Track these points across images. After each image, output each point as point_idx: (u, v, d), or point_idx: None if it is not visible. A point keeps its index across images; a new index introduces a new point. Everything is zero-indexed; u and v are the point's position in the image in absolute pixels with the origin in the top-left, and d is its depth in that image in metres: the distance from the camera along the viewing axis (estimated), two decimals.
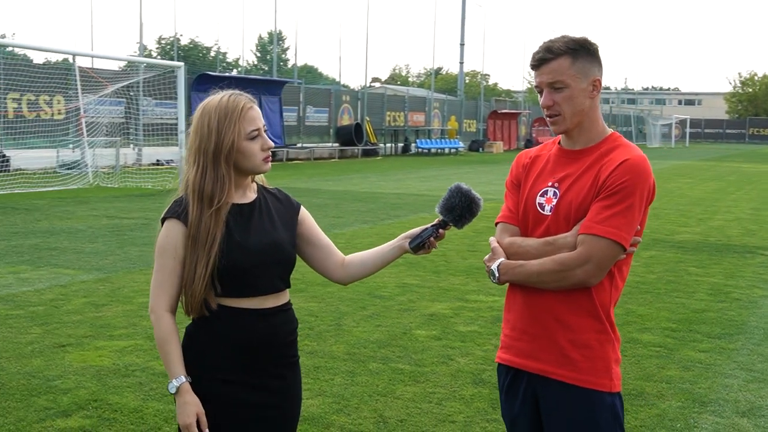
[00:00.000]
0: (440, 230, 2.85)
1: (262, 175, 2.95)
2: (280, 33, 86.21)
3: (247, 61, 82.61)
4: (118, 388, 5.46)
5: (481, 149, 53.01)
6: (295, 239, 2.94)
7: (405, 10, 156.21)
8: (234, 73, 61.50)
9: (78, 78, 22.92)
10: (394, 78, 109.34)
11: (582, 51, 2.83)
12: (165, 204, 2.85)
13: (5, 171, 23.43)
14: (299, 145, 38.80)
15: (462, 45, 59.42)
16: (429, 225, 2.86)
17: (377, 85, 69.92)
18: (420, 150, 47.07)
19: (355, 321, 7.44)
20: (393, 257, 2.93)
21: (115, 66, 31.51)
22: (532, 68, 2.90)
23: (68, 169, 23.57)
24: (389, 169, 31.78)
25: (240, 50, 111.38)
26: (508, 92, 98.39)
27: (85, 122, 22.89)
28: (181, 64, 22.35)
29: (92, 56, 28.19)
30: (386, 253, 2.92)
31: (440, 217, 2.84)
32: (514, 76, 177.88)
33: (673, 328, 7.41)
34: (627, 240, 2.73)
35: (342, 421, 5.02)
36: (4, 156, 24.77)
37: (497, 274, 2.86)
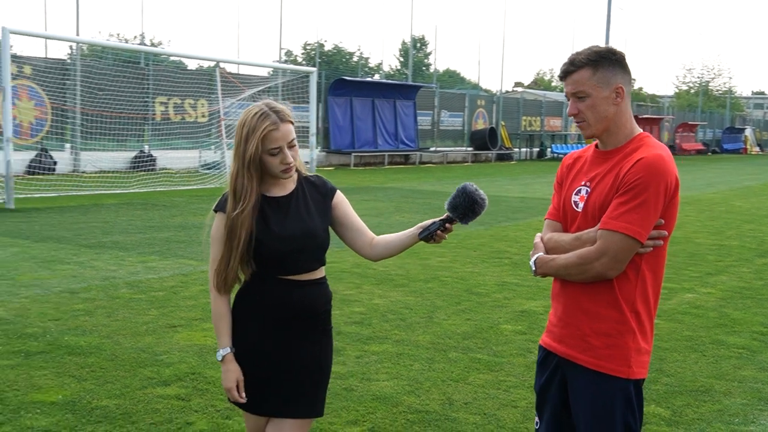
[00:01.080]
0: (446, 225, 3.19)
1: (302, 162, 3.35)
2: (423, 38, 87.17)
3: (390, 65, 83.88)
4: (215, 364, 6.02)
5: None
6: (329, 223, 3.33)
7: (548, 14, 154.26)
8: (376, 77, 62.64)
9: (219, 82, 24.11)
10: (537, 82, 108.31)
11: (603, 61, 3.04)
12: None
13: (151, 170, 24.91)
14: (432, 148, 39.28)
15: None
16: (437, 219, 3.20)
17: (519, 89, 69.57)
18: (555, 155, 46.69)
19: (447, 314, 7.80)
20: (410, 244, 3.29)
21: (260, 72, 32.75)
22: (560, 79, 3.18)
23: (208, 168, 24.81)
24: (520, 174, 31.84)
25: (382, 55, 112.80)
26: (653, 97, 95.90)
27: (225, 125, 24.04)
28: (314, 69, 23.21)
29: (227, 62, 29.43)
30: (405, 239, 3.29)
31: (447, 213, 3.18)
32: (663, 80, 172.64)
33: (763, 332, 7.43)
34: (642, 234, 2.92)
35: (411, 401, 5.41)
36: (150, 156, 26.31)
37: (534, 267, 3.15)
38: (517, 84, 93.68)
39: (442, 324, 7.43)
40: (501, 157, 42.43)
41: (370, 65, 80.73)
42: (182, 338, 6.70)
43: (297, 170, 3.32)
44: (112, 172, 23.37)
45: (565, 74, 3.10)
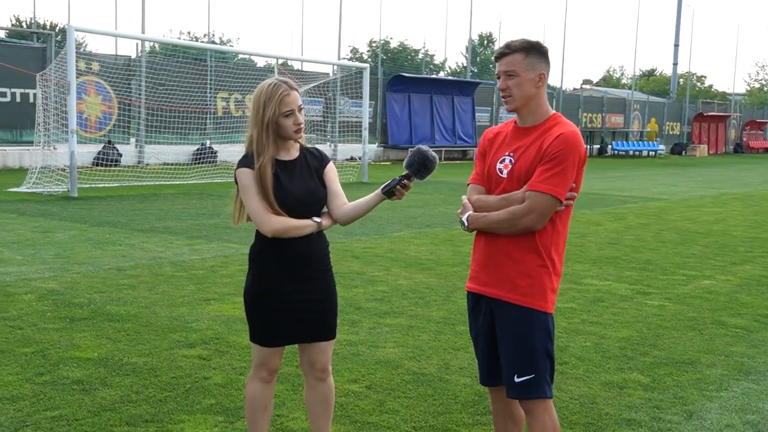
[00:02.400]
0: (405, 181, 3.73)
1: (304, 137, 3.93)
2: (490, 35, 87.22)
3: (456, 62, 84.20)
4: (238, 331, 6.59)
5: (683, 152, 51.69)
6: (324, 184, 3.91)
7: (614, 10, 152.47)
8: (441, 75, 62.98)
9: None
10: (606, 80, 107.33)
11: (533, 50, 3.60)
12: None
13: (212, 163, 25.75)
14: None
15: (676, 46, 58.12)
16: (397, 176, 3.73)
17: (587, 87, 69.26)
18: (616, 152, 46.53)
19: (465, 295, 8.24)
20: (375, 202, 3.84)
21: (324, 68, 33.45)
22: (494, 60, 3.73)
23: None
24: None
25: (447, 52, 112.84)
26: (723, 94, 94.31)
27: None
28: (366, 65, 23.74)
29: (283, 58, 30.21)
30: (370, 199, 3.84)
31: (405, 171, 3.71)
32: (735, 78, 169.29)
33: (766, 315, 7.72)
34: (562, 194, 3.50)
35: (410, 365, 5.90)
36: (212, 149, 27.18)
37: (466, 224, 3.69)
38: (586, 81, 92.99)
39: (457, 302, 7.89)
40: None
41: (435, 62, 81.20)
42: (213, 309, 7.29)
43: (299, 142, 3.91)
44: (175, 164, 24.26)
45: (500, 55, 3.64)
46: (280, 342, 3.91)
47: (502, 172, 3.66)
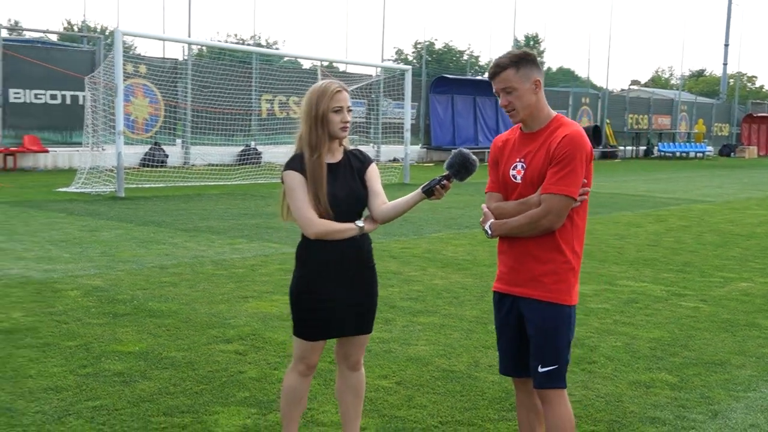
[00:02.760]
0: (445, 181, 3.85)
1: (346, 139, 4.10)
2: (536, 36, 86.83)
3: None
4: (275, 327, 6.77)
5: (732, 154, 51.05)
6: (365, 185, 4.07)
7: (667, 10, 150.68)
8: (486, 76, 62.86)
9: (320, 80, 25.09)
10: (655, 81, 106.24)
11: (523, 61, 3.75)
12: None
13: (257, 164, 26.07)
14: None
15: (726, 46, 57.46)
16: (438, 176, 3.86)
17: (635, 87, 68.73)
18: (662, 153, 46.12)
19: None
20: (415, 201, 3.95)
21: (369, 70, 33.70)
22: (489, 79, 3.88)
23: None
24: (620, 171, 31.82)
25: (492, 53, 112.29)
26: None
27: None
28: (408, 67, 23.90)
29: (324, 60, 30.44)
30: (410, 198, 3.96)
31: (446, 172, 3.84)
32: None
33: None
34: (574, 192, 3.65)
35: (441, 362, 6.02)
36: (256, 150, 27.52)
37: (490, 232, 3.85)
38: (634, 82, 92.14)
39: (491, 302, 7.95)
40: (605, 155, 42.25)
41: (480, 63, 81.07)
42: (251, 307, 7.48)
43: (342, 144, 4.08)
44: (220, 165, 24.64)
45: (493, 75, 3.80)
46: (322, 336, 4.07)
47: (516, 178, 3.81)
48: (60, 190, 17.78)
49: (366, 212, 4.09)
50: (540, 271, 3.75)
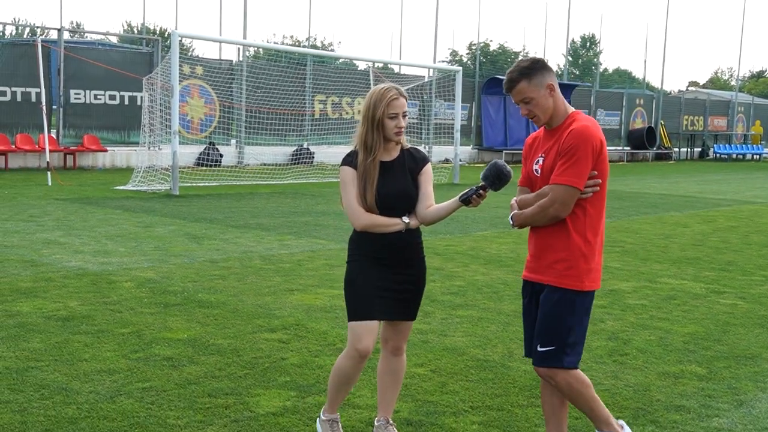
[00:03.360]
0: (480, 191, 4.11)
1: (404, 138, 4.34)
2: (592, 37, 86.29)
3: (558, 65, 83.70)
4: (317, 318, 7.04)
5: None
6: (417, 185, 4.31)
7: (726, 11, 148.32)
8: None
9: (372, 81, 25.38)
10: (713, 82, 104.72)
11: (533, 71, 3.98)
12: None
13: (309, 164, 26.45)
14: None
15: None
16: (474, 186, 4.12)
17: (693, 89, 67.87)
18: (718, 155, 45.55)
19: None
20: (453, 208, 4.21)
21: (420, 71, 33.98)
22: (506, 93, 4.12)
23: None
24: (672, 173, 31.58)
25: (546, 54, 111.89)
26: None
27: None
28: (459, 68, 24.06)
29: (373, 61, 30.69)
30: (450, 205, 4.22)
31: (481, 182, 4.10)
32: None
33: None
34: (578, 183, 3.86)
35: (476, 352, 6.23)
36: (309, 151, 27.89)
37: (512, 223, 4.12)
38: (692, 83, 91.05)
39: None
40: (659, 157, 41.89)
41: None
42: (296, 299, 7.75)
43: (400, 143, 4.32)
44: (273, 165, 25.04)
45: (509, 90, 4.05)
46: (370, 316, 4.26)
47: (537, 172, 4.06)
48: (117, 188, 18.31)
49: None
50: (554, 259, 3.98)
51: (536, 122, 4.06)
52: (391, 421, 4.51)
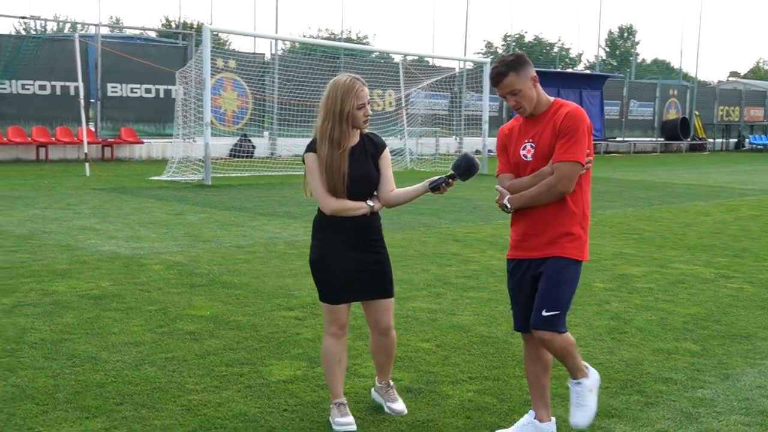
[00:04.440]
0: (450, 180, 4.40)
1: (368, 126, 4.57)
2: (630, 27, 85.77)
3: (595, 56, 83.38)
4: None
5: None
6: (378, 169, 4.55)
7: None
8: (580, 68, 62.59)
9: (401, 74, 25.71)
10: (754, 72, 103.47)
11: (518, 64, 4.27)
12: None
13: None
14: (619, 138, 39.30)
15: None
16: (444, 175, 4.40)
17: (733, 79, 67.33)
18: (754, 146, 45.26)
19: None
20: (420, 192, 4.46)
21: (451, 63, 34.23)
22: (493, 86, 4.41)
23: (397, 155, 26.34)
24: (705, 163, 31.56)
25: (581, 46, 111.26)
26: None
27: (405, 113, 25.59)
28: (486, 60, 24.30)
29: (400, 53, 30.95)
30: (416, 189, 4.47)
31: (451, 171, 4.40)
32: None
33: None
34: (582, 158, 4.18)
35: (480, 329, 6.57)
36: None
37: (509, 206, 4.35)
38: (733, 74, 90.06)
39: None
40: (693, 148, 41.74)
41: (570, 56, 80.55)
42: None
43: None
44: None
45: (497, 82, 4.32)
46: (343, 299, 4.52)
47: (527, 157, 4.33)
48: (152, 178, 18.83)
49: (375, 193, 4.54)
50: (557, 234, 4.25)
51: (521, 113, 4.33)
52: (391, 383, 4.81)
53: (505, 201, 4.33)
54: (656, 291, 8.14)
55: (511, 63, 4.26)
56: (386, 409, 4.71)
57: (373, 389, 4.92)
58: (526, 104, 4.27)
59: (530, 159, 4.31)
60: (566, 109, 4.25)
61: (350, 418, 4.52)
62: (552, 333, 4.25)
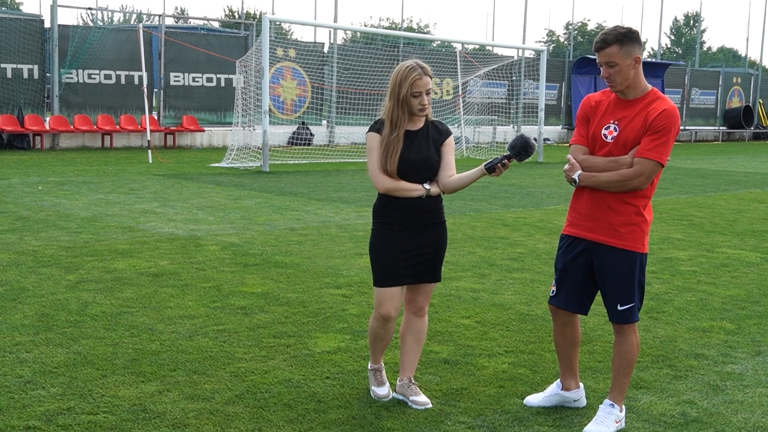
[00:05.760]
0: (506, 161, 4.47)
1: (430, 111, 4.69)
2: (696, 14, 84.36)
3: (660, 44, 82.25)
4: None
5: None
6: (440, 155, 4.67)
7: None
8: (644, 56, 61.86)
9: (459, 62, 25.85)
10: None
11: (626, 39, 4.24)
12: None
13: None
14: (680, 127, 38.89)
15: None
16: (500, 156, 4.49)
17: None
18: None
19: None
20: (476, 177, 4.54)
21: (510, 52, 34.25)
22: (594, 51, 4.38)
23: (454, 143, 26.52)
24: (766, 152, 31.08)
25: (645, 33, 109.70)
26: None
27: (462, 101, 25.73)
28: (544, 48, 24.29)
29: (453, 41, 30.99)
30: (473, 173, 4.55)
31: (507, 153, 4.50)
32: None
33: None
34: (665, 160, 4.22)
35: (521, 308, 6.77)
36: None
37: (578, 181, 4.40)
38: None
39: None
40: (757, 137, 41.05)
41: None
42: (363, 261, 8.40)
43: (426, 115, 4.70)
44: (362, 144, 25.72)
45: (599, 49, 4.30)
46: (391, 282, 4.62)
47: (606, 138, 4.34)
48: (212, 165, 19.31)
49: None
50: (618, 222, 4.31)
51: (612, 87, 4.30)
52: (414, 381, 4.79)
53: (575, 176, 4.36)
54: (699, 274, 8.25)
55: (620, 35, 4.19)
56: (410, 404, 4.65)
57: (394, 392, 4.82)
58: (619, 79, 4.22)
59: (610, 141, 4.30)
60: (663, 105, 4.21)
61: (386, 389, 4.72)
62: (630, 325, 4.40)
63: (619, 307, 4.37)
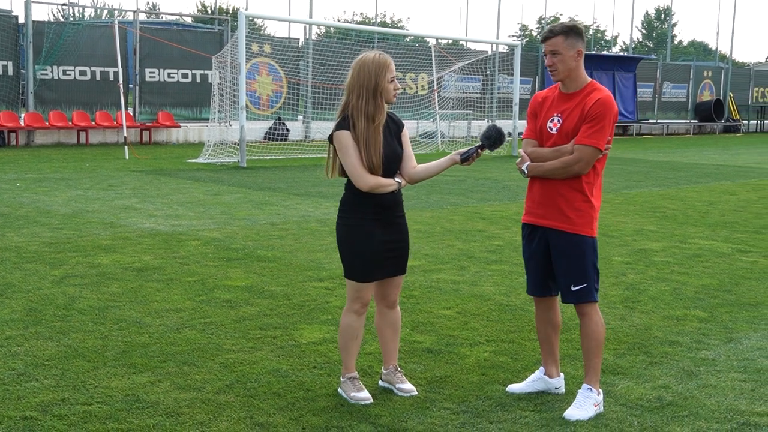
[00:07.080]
0: (479, 150, 4.63)
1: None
2: (668, 9, 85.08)
3: (632, 38, 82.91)
4: None
5: None
6: (401, 146, 4.79)
7: None
8: (616, 50, 62.31)
9: (434, 57, 26.01)
10: None
11: (572, 32, 4.54)
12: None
13: None
14: (652, 120, 39.27)
15: None
16: (473, 146, 4.63)
17: None
18: None
19: None
20: (445, 167, 4.66)
21: (483, 47, 34.47)
22: (541, 42, 4.71)
23: (429, 138, 26.62)
24: (738, 145, 31.53)
25: (617, 28, 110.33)
26: None
27: (437, 96, 25.89)
28: (518, 43, 24.51)
29: (430, 36, 31.20)
30: (442, 163, 4.66)
31: (480, 143, 4.66)
32: None
33: None
34: (602, 145, 4.48)
35: (500, 299, 6.94)
36: None
37: (526, 172, 4.66)
38: None
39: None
40: (727, 129, 41.58)
41: (606, 38, 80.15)
42: None
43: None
44: None
45: (545, 39, 4.62)
46: (372, 277, 4.69)
47: (552, 130, 4.62)
48: (189, 161, 19.35)
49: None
50: (567, 208, 4.55)
51: (554, 75, 4.57)
52: (399, 368, 4.89)
53: (524, 167, 4.63)
54: (673, 264, 8.46)
55: (566, 28, 4.52)
56: (396, 392, 4.76)
57: (380, 380, 4.92)
58: (561, 68, 4.51)
59: (554, 133, 4.58)
60: (598, 95, 4.49)
61: (367, 393, 4.70)
62: (588, 304, 4.60)
63: (573, 288, 4.60)
